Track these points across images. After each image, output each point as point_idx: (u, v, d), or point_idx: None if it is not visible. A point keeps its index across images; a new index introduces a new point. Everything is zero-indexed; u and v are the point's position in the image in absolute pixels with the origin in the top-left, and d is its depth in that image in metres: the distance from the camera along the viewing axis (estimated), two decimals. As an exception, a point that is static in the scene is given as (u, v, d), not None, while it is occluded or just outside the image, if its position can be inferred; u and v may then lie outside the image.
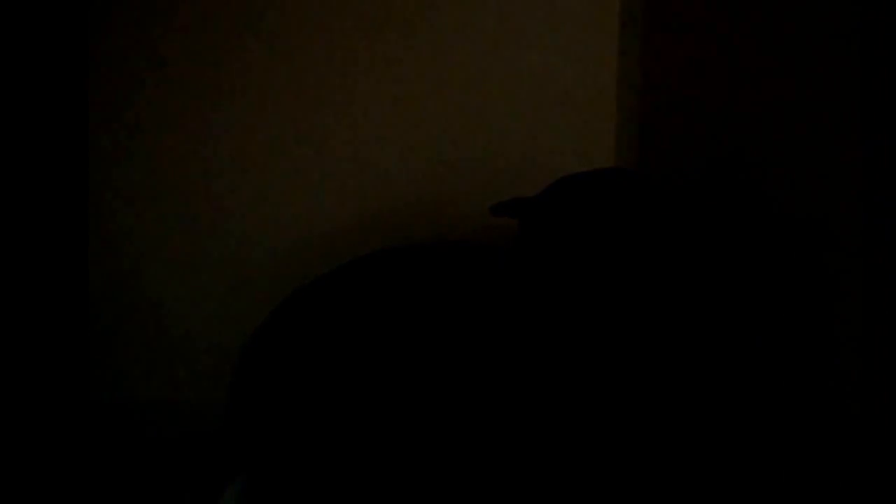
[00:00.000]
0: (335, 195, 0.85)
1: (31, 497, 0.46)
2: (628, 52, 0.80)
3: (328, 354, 0.53)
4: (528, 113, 0.82)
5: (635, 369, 0.45)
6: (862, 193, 0.44)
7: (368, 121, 0.84)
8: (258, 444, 0.57)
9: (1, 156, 0.47)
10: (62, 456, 0.46)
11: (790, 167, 0.51)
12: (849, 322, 0.44)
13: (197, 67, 0.86)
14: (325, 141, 0.85)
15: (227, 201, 0.87)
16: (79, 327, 0.48)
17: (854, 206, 0.44)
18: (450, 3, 0.83)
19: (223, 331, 0.88)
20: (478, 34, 0.83)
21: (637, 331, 0.46)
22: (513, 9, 0.82)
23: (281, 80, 0.84)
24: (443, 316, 0.51)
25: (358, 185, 0.84)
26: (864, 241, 0.43)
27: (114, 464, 0.83)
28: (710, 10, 0.67)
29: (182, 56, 0.86)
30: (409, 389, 0.49)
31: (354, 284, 0.56)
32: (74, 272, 0.48)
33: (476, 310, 0.50)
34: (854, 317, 0.44)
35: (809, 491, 0.47)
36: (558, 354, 0.46)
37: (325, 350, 0.54)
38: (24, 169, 0.47)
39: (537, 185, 0.62)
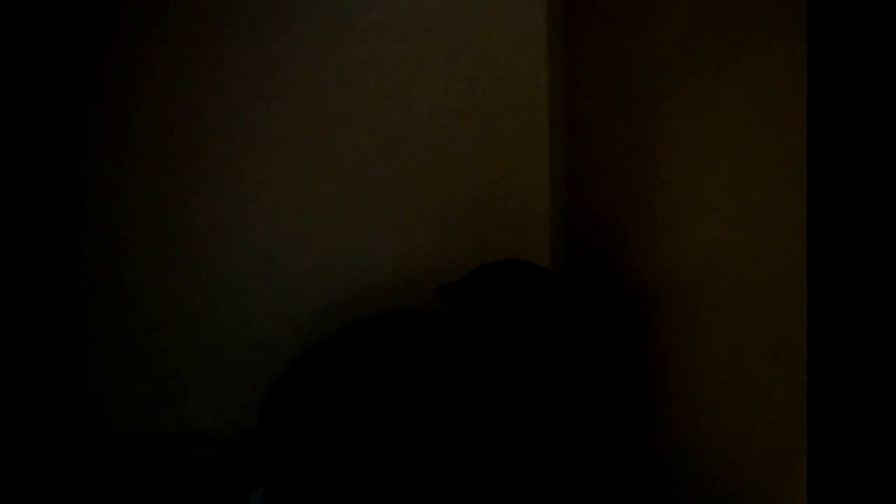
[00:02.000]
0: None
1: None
2: (556, 154, 0.98)
3: (331, 396, 0.75)
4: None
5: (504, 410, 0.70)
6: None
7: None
8: (280, 459, 0.76)
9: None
10: (54, 481, 0.44)
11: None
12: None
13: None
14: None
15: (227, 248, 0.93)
16: (72, 359, 0.45)
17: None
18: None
19: (218, 368, 0.94)
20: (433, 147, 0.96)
21: (499, 382, 0.71)
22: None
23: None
24: (404, 366, 0.75)
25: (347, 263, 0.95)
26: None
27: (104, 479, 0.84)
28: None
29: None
30: (383, 418, 0.73)
31: (350, 345, 0.79)
32: (69, 303, 0.45)
33: (424, 364, 0.74)
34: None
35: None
36: (461, 396, 0.71)
37: (329, 392, 0.75)
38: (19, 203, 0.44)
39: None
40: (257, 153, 0.93)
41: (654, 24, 0.67)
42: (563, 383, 0.71)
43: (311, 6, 0.92)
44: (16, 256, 0.44)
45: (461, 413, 0.71)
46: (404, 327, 0.81)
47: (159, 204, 0.92)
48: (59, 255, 0.46)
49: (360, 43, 0.93)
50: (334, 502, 0.73)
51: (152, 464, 0.90)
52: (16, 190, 0.44)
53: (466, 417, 0.71)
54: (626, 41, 0.74)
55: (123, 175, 0.90)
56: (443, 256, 0.98)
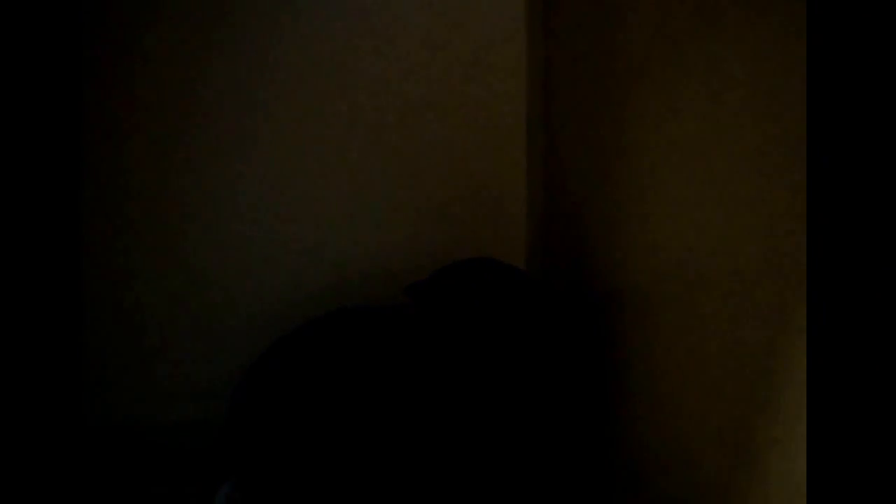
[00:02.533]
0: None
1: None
2: (534, 160, 1.00)
3: (302, 387, 0.74)
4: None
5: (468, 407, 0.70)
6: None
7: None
8: (246, 452, 0.75)
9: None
10: (55, 475, 0.45)
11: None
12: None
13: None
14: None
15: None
16: (71, 352, 0.46)
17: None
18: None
19: (213, 356, 0.95)
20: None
21: (465, 379, 0.71)
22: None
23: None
24: (372, 361, 0.74)
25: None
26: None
27: (108, 477, 0.86)
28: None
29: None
30: (349, 412, 0.73)
31: (320, 336, 0.78)
32: (68, 302, 0.45)
33: (393, 359, 0.74)
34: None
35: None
36: (428, 393, 0.71)
37: (300, 384, 0.75)
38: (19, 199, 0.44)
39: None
40: (241, 148, 0.93)
41: (623, 18, 0.67)
42: (528, 383, 0.71)
43: (289, 4, 0.92)
44: (14, 254, 0.44)
45: (427, 410, 0.71)
46: (374, 321, 0.80)
47: (154, 204, 0.92)
48: (58, 250, 0.47)
49: (338, 38, 0.93)
50: (300, 495, 0.73)
51: (150, 455, 0.91)
52: (16, 184, 0.44)
53: (433, 414, 0.71)
54: (598, 37, 0.74)
55: (122, 171, 0.90)
56: (418, 252, 0.98)
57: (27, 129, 0.45)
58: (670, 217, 0.60)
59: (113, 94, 0.89)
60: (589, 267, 0.79)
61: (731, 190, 0.51)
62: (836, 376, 0.34)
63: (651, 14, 0.62)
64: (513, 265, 0.79)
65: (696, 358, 0.56)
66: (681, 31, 0.57)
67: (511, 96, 0.97)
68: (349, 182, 0.95)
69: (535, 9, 0.94)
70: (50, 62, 0.46)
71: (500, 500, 0.71)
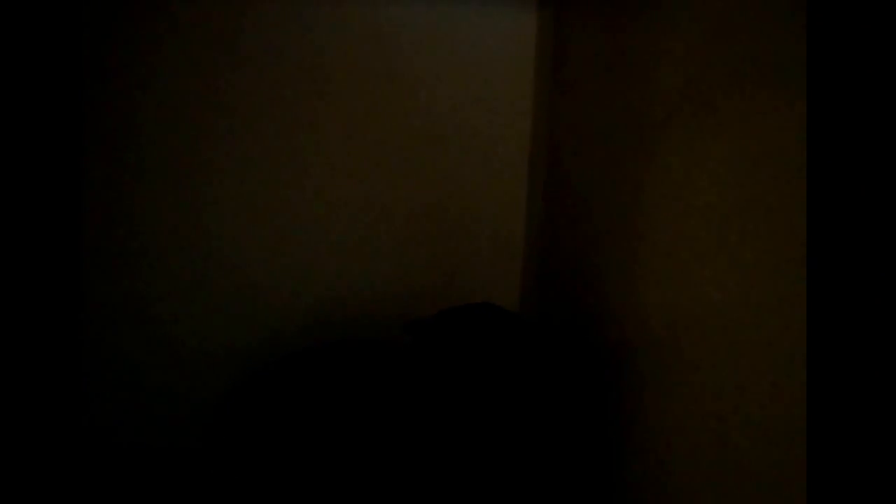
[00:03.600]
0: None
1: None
2: (533, 201, 0.97)
3: (289, 415, 0.71)
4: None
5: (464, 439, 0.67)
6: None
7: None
8: (242, 473, 0.71)
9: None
10: (53, 474, 0.43)
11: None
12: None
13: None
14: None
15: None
16: (71, 359, 0.45)
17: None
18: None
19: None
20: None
21: (461, 421, 0.67)
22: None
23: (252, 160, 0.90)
24: (368, 391, 0.71)
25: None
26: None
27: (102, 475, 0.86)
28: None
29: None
30: (339, 446, 0.68)
31: (324, 365, 0.76)
32: (68, 302, 0.45)
33: (387, 390, 0.71)
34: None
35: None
36: (422, 430, 0.68)
37: (287, 412, 0.71)
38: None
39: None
40: (236, 174, 0.91)
41: (650, 77, 0.66)
42: (527, 426, 0.68)
43: (295, 24, 0.89)
44: (15, 257, 0.43)
45: (418, 448, 0.67)
46: (371, 353, 0.78)
47: (159, 217, 0.90)
48: (58, 254, 0.46)
49: (341, 63, 0.91)
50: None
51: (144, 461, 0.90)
52: (16, 181, 0.44)
53: (425, 453, 0.67)
54: (620, 91, 0.72)
55: (123, 177, 0.89)
56: (410, 288, 0.96)
57: (29, 119, 0.45)
58: (694, 268, 0.57)
59: (117, 94, 0.87)
60: (597, 312, 0.76)
61: (743, 250, 0.50)
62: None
63: (678, 73, 0.60)
64: (512, 312, 0.76)
65: (717, 423, 0.52)
66: (710, 90, 0.56)
67: (516, 137, 0.95)
68: (347, 214, 0.94)
69: (546, 50, 0.93)
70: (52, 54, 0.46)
71: None
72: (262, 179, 0.91)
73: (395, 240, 0.94)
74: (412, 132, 0.93)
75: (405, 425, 0.68)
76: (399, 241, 0.95)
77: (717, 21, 0.55)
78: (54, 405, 0.45)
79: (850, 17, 0.34)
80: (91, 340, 0.90)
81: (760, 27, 0.49)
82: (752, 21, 0.51)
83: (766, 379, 0.47)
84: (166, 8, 0.86)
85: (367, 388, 0.72)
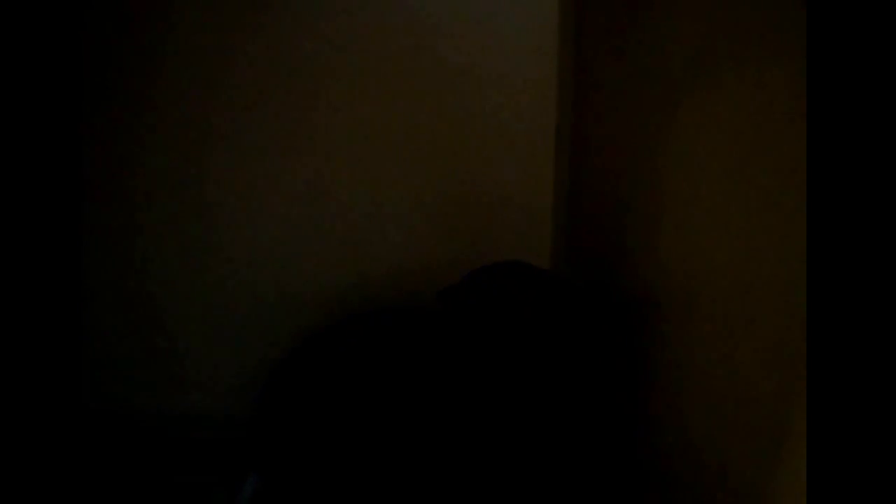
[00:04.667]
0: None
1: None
2: (560, 165, 1.00)
3: (328, 387, 0.75)
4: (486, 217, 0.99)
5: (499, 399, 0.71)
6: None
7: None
8: (273, 448, 0.76)
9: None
10: (57, 463, 0.42)
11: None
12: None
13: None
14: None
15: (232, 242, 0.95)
16: (72, 338, 0.44)
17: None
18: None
19: (221, 343, 0.96)
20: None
21: (497, 380, 0.71)
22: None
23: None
24: (402, 362, 0.75)
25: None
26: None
27: (104, 462, 0.87)
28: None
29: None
30: (378, 412, 0.73)
31: (351, 337, 0.79)
32: (68, 286, 0.43)
33: (423, 360, 0.75)
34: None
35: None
36: (458, 393, 0.72)
37: (326, 384, 0.75)
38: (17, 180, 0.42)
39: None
40: (275, 150, 0.95)
41: (664, 47, 0.69)
42: (561, 382, 0.72)
43: (315, 10, 0.92)
44: (14, 241, 0.44)
45: (457, 411, 0.72)
46: (404, 323, 0.81)
47: (165, 190, 0.94)
48: (60, 237, 0.46)
49: (368, 46, 0.94)
50: (324, 494, 0.73)
51: (152, 444, 0.93)
52: (16, 171, 0.45)
53: (463, 415, 0.71)
54: (637, 59, 0.75)
55: (126, 161, 0.92)
56: (446, 256, 0.99)
57: (29, 113, 0.45)
58: (707, 222, 0.61)
59: (120, 91, 0.89)
60: (620, 269, 0.79)
61: (764, 202, 0.52)
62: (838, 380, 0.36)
63: (691, 43, 0.63)
64: (539, 267, 0.79)
65: (731, 359, 0.56)
66: (717, 60, 0.59)
67: (541, 107, 0.97)
68: (381, 188, 0.97)
69: (569, 24, 0.96)
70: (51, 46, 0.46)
71: (526, 495, 0.72)
72: (295, 162, 0.95)
73: (428, 215, 0.98)
74: (438, 110, 0.96)
75: (440, 387, 0.72)
76: (432, 216, 0.98)
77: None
78: (53, 395, 0.44)
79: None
80: (91, 332, 0.94)
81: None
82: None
83: (771, 317, 0.51)
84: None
85: (402, 353, 0.76)
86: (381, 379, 0.75)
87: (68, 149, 0.45)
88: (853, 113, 0.36)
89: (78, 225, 0.86)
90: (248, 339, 0.98)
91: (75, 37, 0.78)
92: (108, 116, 0.90)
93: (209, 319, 0.97)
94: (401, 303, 0.99)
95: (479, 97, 0.96)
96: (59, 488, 0.43)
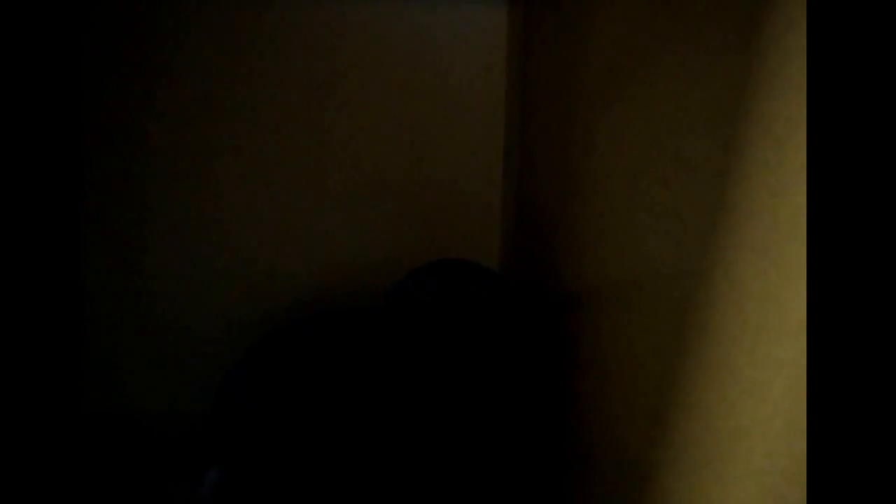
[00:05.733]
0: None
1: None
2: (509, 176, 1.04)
3: (285, 379, 0.78)
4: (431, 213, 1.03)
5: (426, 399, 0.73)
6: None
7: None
8: (231, 441, 0.79)
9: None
10: (53, 463, 0.42)
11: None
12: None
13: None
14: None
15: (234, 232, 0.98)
16: (72, 339, 0.43)
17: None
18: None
19: (219, 342, 0.99)
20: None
21: (428, 374, 0.74)
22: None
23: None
24: (346, 357, 0.79)
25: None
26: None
27: (103, 463, 0.86)
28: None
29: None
30: (327, 408, 0.76)
31: (304, 333, 0.83)
32: (67, 284, 0.43)
33: (364, 356, 0.79)
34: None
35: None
36: (398, 389, 0.75)
37: (283, 376, 0.79)
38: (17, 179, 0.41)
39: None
40: (231, 162, 0.98)
41: (594, 31, 0.70)
42: (493, 376, 0.75)
43: (280, 21, 0.96)
44: (11, 240, 0.43)
45: (398, 406, 0.75)
46: (350, 322, 0.85)
47: (158, 203, 0.97)
48: (58, 240, 0.46)
49: (327, 55, 0.98)
50: (283, 483, 0.76)
51: (150, 444, 0.95)
52: (17, 176, 0.43)
53: (402, 409, 0.75)
54: (571, 47, 0.78)
55: (125, 165, 0.94)
56: (399, 257, 1.03)
57: (28, 114, 0.44)
58: (636, 223, 0.63)
59: (115, 92, 0.92)
60: (556, 269, 0.83)
61: (688, 197, 0.53)
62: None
63: (617, 27, 0.64)
64: (481, 265, 0.83)
65: (630, 351, 0.60)
66: (649, 41, 0.61)
67: (490, 109, 1.01)
68: (333, 190, 1.00)
69: (517, 24, 0.99)
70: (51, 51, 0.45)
71: (465, 487, 0.75)
72: (249, 167, 0.99)
73: (380, 216, 1.02)
74: (394, 110, 1.00)
75: (382, 381, 0.75)
76: (384, 218, 1.02)
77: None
78: (53, 384, 0.44)
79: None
80: (92, 317, 0.96)
81: None
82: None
83: (663, 310, 0.53)
84: None
85: (341, 354, 0.79)
86: (328, 373, 0.78)
87: (68, 148, 0.45)
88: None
89: (78, 225, 0.86)
90: (225, 340, 1.01)
91: (76, 35, 0.77)
92: (109, 117, 0.92)
93: (201, 319, 1.00)
94: (355, 297, 1.03)
95: (431, 107, 1.00)
96: (56, 488, 0.44)
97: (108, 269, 0.95)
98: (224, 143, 0.98)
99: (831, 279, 0.34)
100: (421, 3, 0.98)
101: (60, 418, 0.47)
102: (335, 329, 0.83)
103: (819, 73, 0.35)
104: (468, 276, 0.79)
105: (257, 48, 0.97)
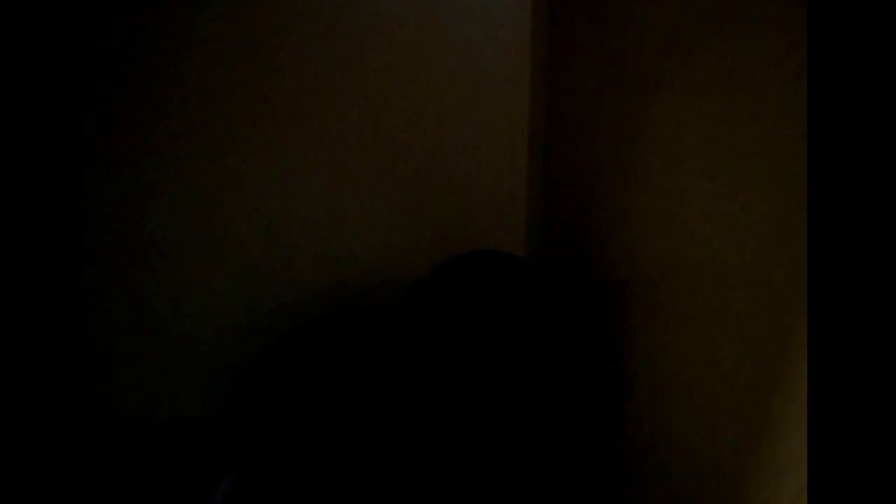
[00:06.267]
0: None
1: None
2: (534, 155, 1.01)
3: (304, 384, 0.73)
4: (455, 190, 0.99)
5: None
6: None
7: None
8: (248, 448, 0.74)
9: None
10: (54, 471, 0.42)
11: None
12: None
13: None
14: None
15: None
16: (72, 344, 0.43)
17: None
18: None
19: (226, 345, 0.96)
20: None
21: (472, 375, 0.70)
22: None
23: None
24: (375, 358, 0.74)
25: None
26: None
27: (109, 473, 0.86)
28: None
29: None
30: (356, 411, 0.72)
31: (324, 334, 0.78)
32: (67, 284, 0.43)
33: (394, 357, 0.74)
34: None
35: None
36: (435, 389, 0.70)
37: (303, 380, 0.74)
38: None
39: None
40: (245, 145, 0.94)
41: (636, 31, 0.68)
42: (532, 376, 0.71)
43: (303, 10, 0.92)
44: (11, 243, 0.43)
45: (430, 407, 0.70)
46: (377, 320, 0.80)
47: (162, 195, 0.92)
48: (58, 241, 0.45)
49: (348, 43, 0.93)
50: (304, 495, 0.71)
51: (146, 450, 0.91)
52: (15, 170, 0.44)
53: (435, 411, 0.70)
54: (609, 47, 0.75)
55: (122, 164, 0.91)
56: (418, 249, 0.99)
57: (30, 110, 0.45)
58: (679, 211, 0.60)
59: (113, 94, 0.89)
60: (597, 257, 0.79)
61: (740, 185, 0.52)
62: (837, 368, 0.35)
63: (666, 21, 0.62)
64: (514, 255, 0.78)
65: (704, 347, 0.56)
66: (696, 38, 0.58)
67: (515, 95, 0.97)
68: (353, 182, 0.96)
69: (540, 25, 0.96)
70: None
71: (501, 495, 0.71)
72: (267, 157, 0.94)
73: (401, 207, 0.98)
74: (410, 105, 0.96)
75: (413, 387, 0.71)
76: (405, 209, 0.98)
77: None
78: (53, 389, 0.44)
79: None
80: (92, 320, 0.93)
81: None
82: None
83: (744, 303, 0.51)
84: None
85: (374, 355, 0.75)
86: (355, 376, 0.73)
87: (68, 147, 0.44)
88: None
89: (79, 222, 0.85)
90: (227, 342, 0.96)
91: (77, 33, 0.78)
92: (110, 116, 0.90)
93: (189, 323, 0.96)
94: (374, 294, 0.98)
95: (452, 92, 0.95)
96: (54, 491, 0.42)
97: (109, 266, 0.92)
98: (235, 131, 0.93)
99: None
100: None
101: (59, 422, 0.44)
102: (353, 332, 0.78)
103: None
104: (502, 268, 0.75)
105: (276, 25, 0.92)
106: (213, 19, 0.90)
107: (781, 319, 0.46)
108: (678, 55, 0.60)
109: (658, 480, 0.64)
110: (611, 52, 0.73)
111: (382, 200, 0.97)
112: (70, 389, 0.43)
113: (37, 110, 0.43)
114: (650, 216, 0.65)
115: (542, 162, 0.98)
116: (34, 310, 0.42)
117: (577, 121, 0.85)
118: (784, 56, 0.48)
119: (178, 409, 0.95)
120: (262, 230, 0.95)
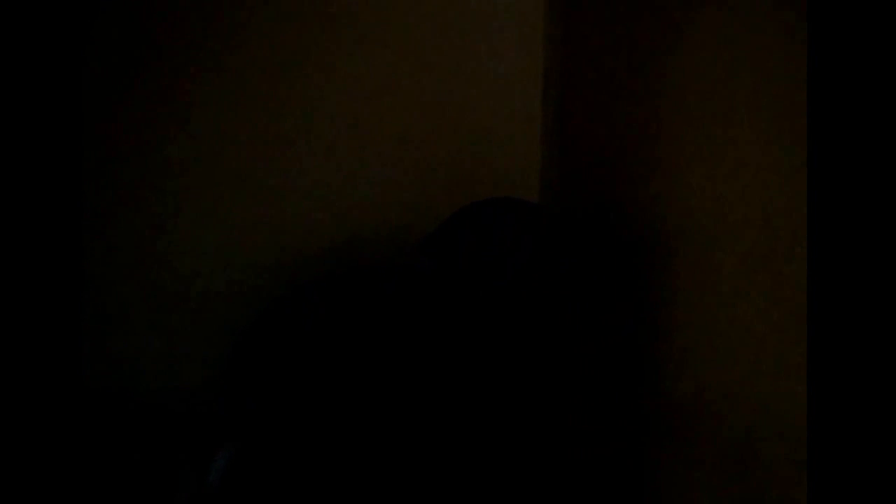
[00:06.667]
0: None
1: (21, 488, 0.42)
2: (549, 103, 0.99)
3: (306, 350, 0.72)
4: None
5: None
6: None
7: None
8: (250, 417, 0.72)
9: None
10: (53, 443, 0.43)
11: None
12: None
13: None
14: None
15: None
16: (71, 311, 0.44)
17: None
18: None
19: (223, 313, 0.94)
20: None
21: (488, 342, 0.67)
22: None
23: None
24: (383, 322, 0.71)
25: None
26: None
27: (109, 444, 0.86)
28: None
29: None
30: (362, 376, 0.69)
31: (325, 297, 0.76)
32: (67, 262, 0.44)
33: (405, 320, 0.70)
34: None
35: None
36: (447, 353, 0.68)
37: (304, 346, 0.72)
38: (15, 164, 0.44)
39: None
40: (253, 100, 0.92)
41: None
42: (558, 327, 0.67)
43: None
44: (10, 221, 0.43)
45: (447, 371, 0.67)
46: (386, 281, 0.76)
47: (163, 158, 0.92)
48: (58, 224, 0.45)
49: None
50: (308, 465, 0.68)
51: (153, 421, 0.89)
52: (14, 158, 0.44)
53: (453, 375, 0.66)
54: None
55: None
56: (428, 201, 0.95)
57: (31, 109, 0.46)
58: (705, 161, 0.59)
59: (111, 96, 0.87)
60: (626, 206, 0.76)
61: (766, 135, 0.51)
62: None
63: None
64: (533, 203, 0.74)
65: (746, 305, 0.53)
66: None
67: (529, 44, 0.92)
68: (360, 133, 0.93)
69: None
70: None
71: (527, 450, 0.67)
72: (271, 112, 0.92)
73: (413, 154, 0.95)
74: (421, 52, 0.93)
75: (428, 353, 0.67)
76: (417, 155, 0.95)
77: None
78: (52, 361, 0.44)
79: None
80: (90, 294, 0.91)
81: None
82: None
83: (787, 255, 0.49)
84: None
85: (385, 320, 0.70)
86: (363, 338, 0.69)
87: (68, 146, 0.45)
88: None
89: (77, 202, 0.86)
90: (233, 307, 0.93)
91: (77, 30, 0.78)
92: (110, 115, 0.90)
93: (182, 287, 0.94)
94: (384, 246, 0.94)
95: (463, 35, 0.92)
96: (59, 473, 0.43)
97: (111, 233, 0.91)
98: (241, 91, 0.91)
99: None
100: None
101: (59, 395, 0.45)
102: (357, 294, 0.74)
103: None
104: (520, 218, 0.71)
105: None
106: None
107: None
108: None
109: (708, 433, 0.61)
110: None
111: (390, 147, 0.93)
112: (69, 360, 0.44)
113: (38, 74, 0.43)
114: (676, 161, 0.62)
115: (558, 102, 0.94)
116: (29, 282, 0.42)
117: (599, 54, 0.80)
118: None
119: (172, 379, 0.92)
120: (269, 182, 0.93)
